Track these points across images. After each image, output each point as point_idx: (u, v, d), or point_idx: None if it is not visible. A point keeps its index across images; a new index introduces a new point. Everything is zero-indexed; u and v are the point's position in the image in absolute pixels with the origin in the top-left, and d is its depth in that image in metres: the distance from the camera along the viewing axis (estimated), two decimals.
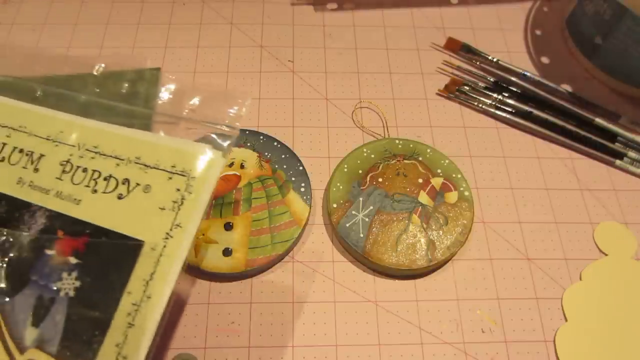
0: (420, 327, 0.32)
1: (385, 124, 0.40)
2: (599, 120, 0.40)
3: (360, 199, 0.35)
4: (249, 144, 0.37)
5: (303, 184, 0.35)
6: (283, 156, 0.36)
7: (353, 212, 0.35)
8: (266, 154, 0.36)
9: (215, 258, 0.33)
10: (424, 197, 0.35)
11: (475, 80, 0.42)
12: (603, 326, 0.32)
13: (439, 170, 0.36)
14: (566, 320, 0.33)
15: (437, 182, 0.36)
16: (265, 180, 0.35)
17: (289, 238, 0.33)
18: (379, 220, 0.34)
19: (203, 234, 0.33)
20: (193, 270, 0.33)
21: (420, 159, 0.37)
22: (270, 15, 0.45)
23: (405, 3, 0.46)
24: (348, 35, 0.44)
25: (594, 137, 0.39)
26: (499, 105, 0.41)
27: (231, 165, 0.36)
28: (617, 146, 0.39)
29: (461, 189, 0.36)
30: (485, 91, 0.41)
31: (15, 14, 0.44)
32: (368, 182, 0.36)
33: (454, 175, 0.36)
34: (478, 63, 0.43)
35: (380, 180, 0.36)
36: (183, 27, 0.44)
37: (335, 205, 0.35)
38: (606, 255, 0.35)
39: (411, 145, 0.37)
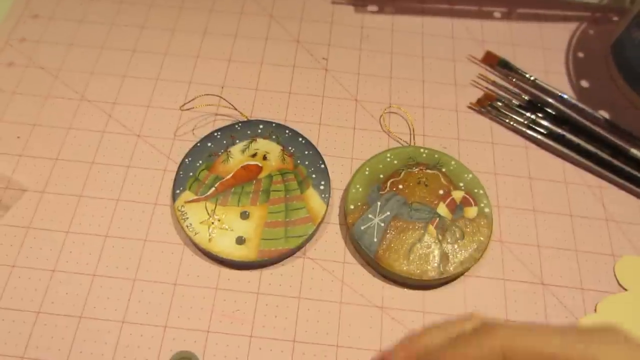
0: None
1: (412, 131, 0.40)
2: (634, 151, 0.39)
3: (378, 203, 0.35)
4: (274, 137, 0.37)
5: (323, 182, 0.36)
6: (306, 152, 0.37)
7: (369, 216, 0.35)
8: (290, 148, 0.37)
9: (228, 245, 0.33)
10: (443, 209, 0.35)
11: (509, 97, 0.42)
12: None
13: (461, 184, 0.36)
14: None
15: (458, 195, 0.36)
16: (286, 174, 0.36)
17: (302, 234, 0.34)
18: (395, 226, 0.35)
19: (219, 219, 0.34)
20: (205, 253, 0.34)
21: (443, 170, 0.37)
22: (310, 11, 0.46)
23: (448, 13, 0.46)
24: (385, 38, 0.44)
25: (627, 168, 0.39)
26: (531, 125, 0.40)
27: (254, 155, 0.37)
28: None
29: (482, 205, 0.35)
30: (519, 109, 0.41)
31: None
32: (388, 188, 0.36)
33: (475, 191, 0.36)
34: (514, 80, 0.43)
35: (400, 187, 0.36)
36: (223, 14, 0.45)
37: (352, 207, 0.35)
38: (625, 290, 0.34)
39: (436, 156, 0.37)
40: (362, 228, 0.34)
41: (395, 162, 0.37)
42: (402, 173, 0.37)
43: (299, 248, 0.34)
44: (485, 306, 0.34)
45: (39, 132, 0.39)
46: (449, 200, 0.36)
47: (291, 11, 0.46)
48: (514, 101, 0.41)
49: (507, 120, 0.40)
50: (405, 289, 0.34)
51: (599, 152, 0.39)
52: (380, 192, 0.36)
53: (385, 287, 0.34)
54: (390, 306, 0.33)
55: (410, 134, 0.40)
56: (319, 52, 0.43)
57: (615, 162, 0.39)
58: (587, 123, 0.40)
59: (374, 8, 0.46)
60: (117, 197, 0.36)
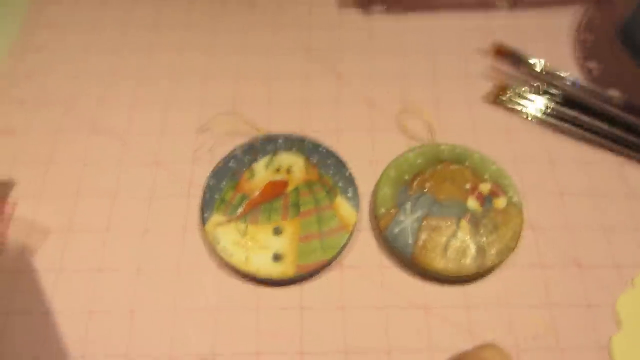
0: (471, 333, 0.33)
1: (431, 128, 0.40)
2: None
3: (408, 203, 0.36)
4: (294, 149, 0.37)
5: (350, 189, 0.36)
6: (328, 161, 0.37)
7: (401, 218, 0.35)
8: (312, 159, 0.37)
9: (265, 263, 0.33)
10: (472, 203, 0.36)
11: (521, 86, 0.42)
12: None
13: (486, 176, 0.37)
14: (620, 327, 0.33)
15: (485, 187, 0.36)
16: (313, 185, 0.36)
17: (338, 243, 0.34)
18: (428, 225, 0.35)
19: (252, 238, 0.34)
20: (243, 275, 0.34)
21: (467, 164, 0.37)
22: (317, 18, 0.46)
23: (453, 6, 0.47)
24: (394, 38, 0.45)
25: None
26: (546, 111, 0.41)
27: (278, 169, 0.36)
28: None
29: (510, 194, 0.36)
30: (532, 97, 0.41)
31: None
32: (415, 187, 0.36)
33: (501, 181, 0.36)
34: (525, 68, 0.43)
35: (427, 185, 0.36)
36: (228, 32, 0.45)
37: (383, 210, 0.35)
38: None
39: (458, 151, 0.38)
40: (396, 231, 0.35)
41: (419, 161, 0.37)
42: (427, 171, 0.37)
43: (335, 258, 0.34)
44: (526, 293, 0.34)
45: (55, 170, 0.38)
46: (476, 193, 0.36)
47: (298, 20, 0.46)
48: (526, 89, 0.42)
49: (521, 109, 0.41)
50: (445, 286, 0.34)
51: (615, 131, 0.40)
52: (409, 193, 0.36)
53: (425, 286, 0.34)
54: (433, 305, 0.34)
55: (430, 132, 0.40)
56: (330, 59, 0.43)
57: (632, 137, 0.40)
58: (601, 104, 0.41)
59: (380, 8, 0.46)
60: (145, 228, 0.36)
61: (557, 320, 0.33)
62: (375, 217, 0.36)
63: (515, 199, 0.36)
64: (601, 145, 0.40)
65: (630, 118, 0.40)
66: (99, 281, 0.34)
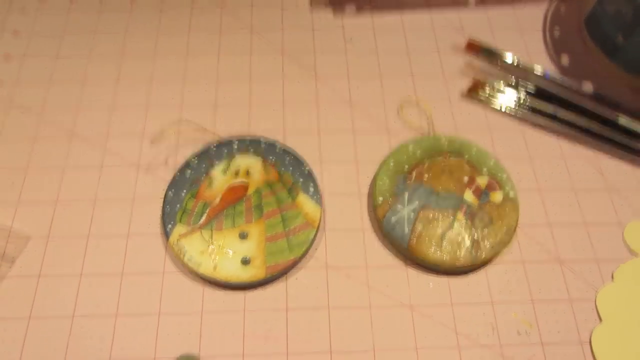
0: (456, 330, 0.33)
1: (432, 121, 0.40)
2: (623, 119, 0.41)
3: (406, 193, 0.36)
4: (251, 151, 0.37)
5: (311, 185, 0.36)
6: (287, 160, 0.37)
7: (398, 206, 0.35)
8: (271, 158, 0.37)
9: (235, 269, 0.33)
10: (469, 196, 0.36)
11: (497, 81, 0.43)
12: (639, 325, 0.33)
13: (484, 169, 0.37)
14: (601, 320, 0.33)
15: (482, 181, 0.37)
16: (273, 185, 0.36)
17: (304, 240, 0.34)
18: (424, 216, 0.35)
19: (219, 245, 0.33)
20: (214, 282, 0.34)
21: (466, 157, 0.38)
22: (290, 20, 0.45)
23: (425, 5, 0.47)
24: (368, 38, 0.45)
25: (618, 136, 0.40)
26: (522, 106, 0.41)
27: (237, 173, 0.36)
28: None
29: (507, 189, 0.36)
30: (507, 91, 0.42)
31: None
32: (414, 178, 0.37)
33: (499, 176, 0.37)
34: (499, 64, 0.44)
35: (426, 176, 0.37)
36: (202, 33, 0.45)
37: (381, 200, 0.35)
38: (637, 255, 0.36)
39: (457, 144, 0.38)
40: (393, 220, 0.35)
41: (418, 152, 0.38)
42: (426, 163, 0.37)
43: (303, 256, 0.34)
44: (509, 290, 0.34)
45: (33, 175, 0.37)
46: (474, 186, 0.36)
47: (270, 22, 0.45)
48: (502, 84, 0.42)
49: (498, 104, 0.41)
50: (433, 284, 0.34)
51: (591, 125, 0.41)
52: (407, 183, 0.36)
53: (412, 284, 0.34)
54: (419, 303, 0.34)
55: (429, 125, 0.40)
56: (306, 61, 0.43)
57: (607, 132, 0.40)
58: (575, 97, 0.42)
59: (352, 9, 0.46)
60: (127, 232, 0.35)
61: (539, 315, 0.34)
62: (373, 206, 0.36)
63: (511, 194, 0.36)
64: (577, 140, 0.40)
65: (604, 111, 0.41)
66: (80, 287, 0.33)
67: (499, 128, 0.41)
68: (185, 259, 0.33)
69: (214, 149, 0.37)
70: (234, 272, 0.32)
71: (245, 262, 0.33)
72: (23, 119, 0.40)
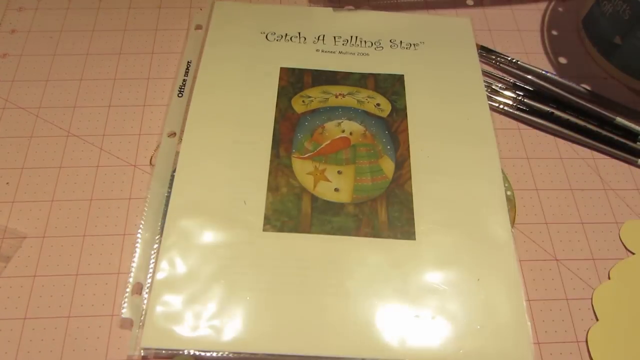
0: None
1: None
2: (619, 119, 0.41)
3: None
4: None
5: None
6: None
7: None
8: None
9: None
10: None
11: (495, 82, 0.43)
12: (635, 324, 0.33)
13: None
14: (597, 319, 0.34)
15: None
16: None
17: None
18: None
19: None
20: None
21: None
22: None
23: (422, 5, 0.47)
24: None
25: (615, 137, 0.40)
26: (520, 106, 0.41)
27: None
28: (638, 145, 0.40)
29: (504, 187, 0.37)
30: (506, 92, 0.42)
31: None
32: None
33: None
34: (497, 64, 0.44)
35: None
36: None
37: None
38: (633, 254, 0.36)
39: None
40: None
41: None
42: None
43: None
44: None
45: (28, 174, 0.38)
46: None
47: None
48: (500, 85, 0.43)
49: (496, 105, 0.42)
50: None
51: (587, 125, 0.41)
52: None
53: None
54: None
55: None
56: None
57: (604, 132, 0.41)
58: (572, 97, 0.42)
59: (350, 7, 0.47)
60: (122, 232, 0.36)
61: (535, 314, 0.34)
62: None
63: (509, 193, 0.37)
64: (574, 140, 0.41)
65: (601, 111, 0.41)
66: (77, 286, 0.34)
67: (496, 127, 0.41)
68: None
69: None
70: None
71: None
72: (19, 118, 0.40)
